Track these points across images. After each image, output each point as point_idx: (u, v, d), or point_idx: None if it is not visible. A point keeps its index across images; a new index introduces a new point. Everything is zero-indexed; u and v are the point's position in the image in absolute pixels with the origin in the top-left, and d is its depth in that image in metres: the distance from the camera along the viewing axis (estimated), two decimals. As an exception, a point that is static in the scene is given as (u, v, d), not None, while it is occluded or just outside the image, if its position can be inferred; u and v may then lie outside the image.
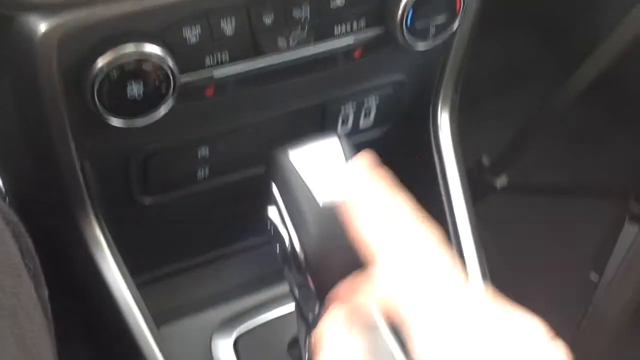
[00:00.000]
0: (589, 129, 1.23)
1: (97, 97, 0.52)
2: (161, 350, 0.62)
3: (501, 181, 1.28)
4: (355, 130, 0.72)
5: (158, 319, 0.64)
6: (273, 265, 0.61)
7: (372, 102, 0.70)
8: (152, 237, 0.73)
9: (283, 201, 0.54)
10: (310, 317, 0.60)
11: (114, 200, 0.65)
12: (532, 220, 1.26)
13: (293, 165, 0.53)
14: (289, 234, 0.53)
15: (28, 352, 0.37)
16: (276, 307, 0.72)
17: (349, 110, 0.70)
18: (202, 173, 0.67)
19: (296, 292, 0.59)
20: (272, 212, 0.55)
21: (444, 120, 0.74)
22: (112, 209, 0.63)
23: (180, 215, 0.72)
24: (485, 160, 1.33)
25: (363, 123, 0.72)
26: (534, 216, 1.29)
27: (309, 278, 0.53)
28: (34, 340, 0.38)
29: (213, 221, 0.76)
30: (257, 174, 0.68)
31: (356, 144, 0.56)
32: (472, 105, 1.14)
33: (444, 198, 0.70)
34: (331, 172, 0.53)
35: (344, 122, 0.71)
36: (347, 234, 0.52)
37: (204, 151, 0.65)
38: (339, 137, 0.54)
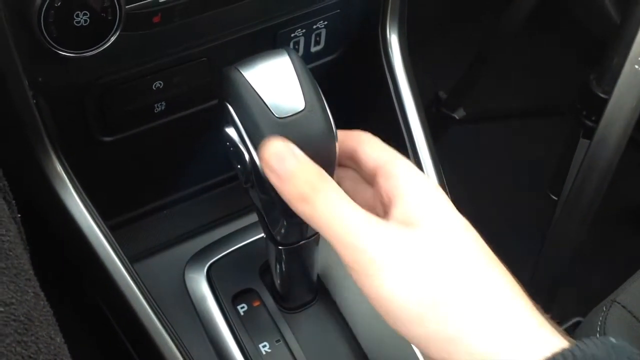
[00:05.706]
0: (538, 54, 1.26)
1: (44, 27, 0.53)
2: (136, 283, 0.63)
3: (459, 113, 1.32)
4: (307, 56, 0.73)
5: (130, 260, 0.65)
6: (242, 201, 0.61)
7: (322, 26, 0.71)
8: (116, 178, 0.73)
9: (239, 119, 0.54)
10: (279, 237, 0.61)
11: (75, 139, 0.65)
12: (491, 147, 1.30)
13: (247, 81, 0.53)
14: (248, 151, 0.54)
15: (6, 256, 0.38)
16: (247, 235, 0.73)
17: (300, 35, 0.71)
18: (159, 107, 0.67)
19: (262, 211, 0.60)
20: (230, 131, 0.55)
21: (393, 40, 0.75)
22: (73, 148, 0.64)
23: (142, 154, 0.73)
24: (442, 95, 1.36)
25: (314, 48, 0.73)
26: (493, 143, 1.32)
27: (272, 193, 0.54)
28: (8, 245, 0.39)
29: (176, 160, 0.77)
30: (215, 106, 0.69)
31: (310, 69, 0.57)
32: (424, 44, 1.16)
33: (398, 113, 0.72)
34: (283, 85, 0.53)
35: (296, 48, 0.72)
36: (304, 145, 0.53)
37: (158, 84, 0.65)
38: (287, 51, 0.55)
